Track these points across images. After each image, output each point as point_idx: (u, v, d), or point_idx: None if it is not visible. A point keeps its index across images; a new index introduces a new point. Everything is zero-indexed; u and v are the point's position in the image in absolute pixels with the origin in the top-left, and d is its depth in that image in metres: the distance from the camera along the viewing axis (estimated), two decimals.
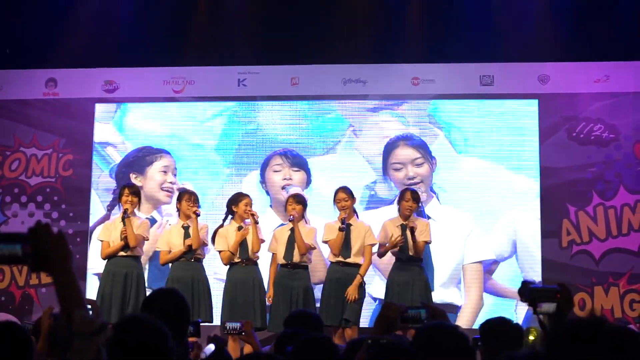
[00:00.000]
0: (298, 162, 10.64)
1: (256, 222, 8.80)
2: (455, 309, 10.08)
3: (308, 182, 10.55)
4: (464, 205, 10.36)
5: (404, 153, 10.53)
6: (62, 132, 10.95)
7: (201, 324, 4.99)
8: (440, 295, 10.02)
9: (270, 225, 9.82)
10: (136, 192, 9.01)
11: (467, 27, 10.53)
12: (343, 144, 10.67)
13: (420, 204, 9.59)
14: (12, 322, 3.14)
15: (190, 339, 4.72)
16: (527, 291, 3.35)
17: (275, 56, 10.73)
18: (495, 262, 10.23)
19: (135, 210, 9.05)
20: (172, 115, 10.91)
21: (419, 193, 9.52)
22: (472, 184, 10.38)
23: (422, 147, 10.52)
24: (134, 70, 10.99)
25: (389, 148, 10.56)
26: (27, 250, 2.33)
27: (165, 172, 10.79)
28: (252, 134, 10.77)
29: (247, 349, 7.33)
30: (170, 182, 10.63)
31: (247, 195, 9.03)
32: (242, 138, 10.78)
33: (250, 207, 8.89)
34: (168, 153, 10.82)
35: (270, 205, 10.49)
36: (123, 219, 8.81)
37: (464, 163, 10.46)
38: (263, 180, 10.65)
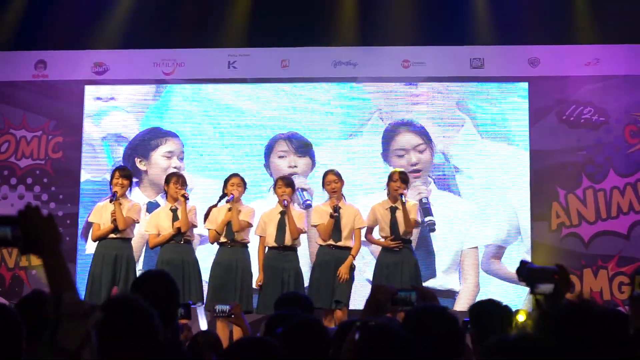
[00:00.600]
0: (302, 147, 10.60)
1: (227, 200, 8.79)
2: (453, 294, 10.09)
3: (312, 166, 10.51)
4: (470, 190, 10.37)
5: (406, 139, 10.51)
6: (51, 114, 10.91)
7: (191, 306, 4.99)
8: (440, 281, 10.06)
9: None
10: (127, 175, 8.98)
11: (458, 10, 10.52)
12: (369, 127, 10.63)
13: (425, 199, 9.69)
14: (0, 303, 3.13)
15: (181, 321, 4.73)
16: (525, 271, 3.36)
17: (265, 38, 10.70)
18: (501, 247, 10.22)
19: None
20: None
21: (420, 179, 9.64)
22: (493, 169, 10.42)
23: (423, 133, 10.49)
24: (123, 52, 10.95)
25: (389, 134, 10.53)
26: (17, 233, 2.33)
27: (169, 157, 10.73)
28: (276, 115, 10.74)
29: (237, 331, 7.35)
30: (175, 167, 10.57)
31: (236, 175, 9.02)
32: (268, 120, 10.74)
33: (236, 187, 8.87)
34: (176, 136, 10.76)
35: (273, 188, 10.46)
36: (111, 201, 8.80)
37: (486, 148, 10.45)
38: (267, 165, 10.61)
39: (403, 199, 8.66)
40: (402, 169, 9.12)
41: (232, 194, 8.82)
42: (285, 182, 8.92)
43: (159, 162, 10.73)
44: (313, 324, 3.69)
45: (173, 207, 8.91)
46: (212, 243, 8.98)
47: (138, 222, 9.00)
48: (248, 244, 8.90)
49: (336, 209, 8.69)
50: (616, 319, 2.33)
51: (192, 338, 5.15)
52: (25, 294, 3.93)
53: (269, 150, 10.65)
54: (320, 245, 8.84)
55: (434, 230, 10.00)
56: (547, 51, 10.48)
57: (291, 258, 8.76)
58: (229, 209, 8.81)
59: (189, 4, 10.97)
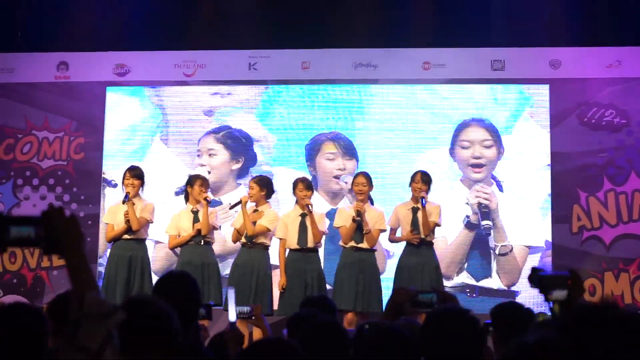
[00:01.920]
0: (349, 148, 10.57)
1: (235, 204, 8.92)
2: (513, 295, 10.03)
3: (357, 166, 10.43)
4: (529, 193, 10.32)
5: (475, 132, 10.47)
6: (73, 116, 10.97)
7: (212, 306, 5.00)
8: (498, 281, 10.05)
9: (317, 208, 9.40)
10: (138, 175, 8.99)
11: (479, 12, 10.50)
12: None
13: (485, 201, 9.73)
14: (24, 303, 3.16)
15: (200, 322, 4.74)
16: (537, 278, 3.32)
17: (286, 40, 10.72)
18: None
19: (141, 194, 9.01)
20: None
21: (479, 176, 9.81)
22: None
23: (493, 131, 10.45)
24: (145, 54, 11.00)
25: (460, 128, 10.50)
26: (40, 233, 2.35)
27: (199, 155, 10.76)
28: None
29: (257, 332, 7.36)
30: (201, 164, 10.65)
31: (253, 178, 9.13)
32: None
33: (250, 190, 8.91)
34: (215, 132, 10.78)
35: (316, 189, 10.35)
36: (124, 202, 8.82)
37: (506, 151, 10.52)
38: (311, 165, 10.59)
39: (423, 202, 8.67)
40: (425, 170, 9.07)
41: (240, 198, 8.88)
42: (306, 185, 8.92)
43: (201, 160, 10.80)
44: (332, 326, 3.69)
45: (194, 209, 8.94)
46: (235, 242, 9.02)
47: (152, 222, 9.01)
48: (269, 247, 8.91)
49: (359, 213, 8.67)
50: (638, 323, 2.32)
51: (214, 336, 5.16)
52: (60, 293, 3.96)
53: (313, 150, 10.61)
54: (343, 248, 8.83)
55: (489, 234, 10.06)
56: (568, 53, 10.45)
57: (313, 260, 8.77)
58: (254, 211, 8.83)
59: (210, 6, 11.00)
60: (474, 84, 10.56)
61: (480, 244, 10.20)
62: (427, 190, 8.83)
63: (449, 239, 10.19)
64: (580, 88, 10.36)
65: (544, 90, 10.42)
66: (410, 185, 8.93)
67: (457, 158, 10.44)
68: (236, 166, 10.64)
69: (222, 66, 10.87)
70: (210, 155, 10.73)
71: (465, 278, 10.13)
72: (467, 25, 10.52)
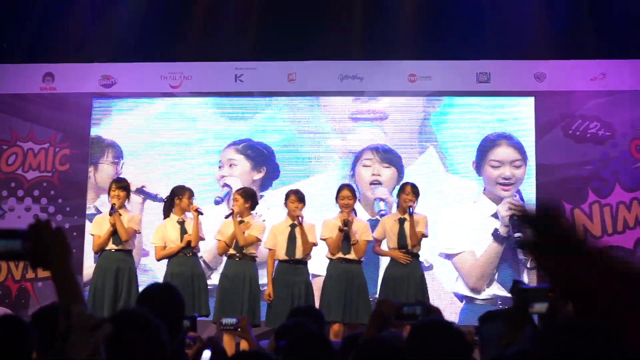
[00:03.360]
0: (389, 158, 10.55)
1: (225, 216, 8.92)
2: None
3: (399, 178, 10.39)
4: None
5: (506, 152, 10.43)
6: (59, 127, 10.95)
7: (198, 319, 4.99)
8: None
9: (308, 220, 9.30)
10: (124, 187, 8.97)
11: (464, 24, 10.54)
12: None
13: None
14: (10, 315, 3.15)
15: (191, 333, 4.74)
16: (518, 291, 3.33)
17: (272, 52, 10.74)
18: None
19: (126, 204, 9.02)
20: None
21: (507, 193, 10.03)
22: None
23: (521, 149, 10.42)
24: (131, 65, 10.99)
25: (489, 144, 10.45)
26: (27, 246, 2.35)
27: (220, 167, 10.74)
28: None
29: (244, 344, 7.36)
30: (222, 176, 10.69)
31: (237, 191, 9.15)
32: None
33: (235, 202, 8.91)
34: (236, 144, 10.80)
35: (359, 200, 10.22)
36: (111, 214, 8.80)
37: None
38: (353, 175, 10.56)
39: (411, 210, 8.69)
40: (414, 183, 9.08)
41: (231, 209, 8.87)
42: (298, 197, 8.89)
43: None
44: (316, 337, 3.70)
45: (180, 220, 8.92)
46: (221, 255, 9.01)
47: (139, 233, 9.03)
48: (256, 258, 8.92)
49: (346, 222, 8.69)
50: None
51: (195, 350, 5.15)
52: (43, 305, 3.95)
53: (355, 160, 10.61)
54: (330, 260, 8.81)
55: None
56: (553, 66, 10.50)
57: (302, 271, 8.76)
58: (240, 222, 8.83)
59: (196, 18, 11.01)
60: (459, 96, 10.59)
61: (510, 256, 10.19)
62: (416, 202, 8.85)
63: (477, 252, 10.20)
64: (565, 100, 10.41)
65: (529, 103, 10.46)
66: (398, 195, 8.95)
67: (483, 175, 10.39)
68: (257, 176, 10.60)
69: (208, 78, 10.88)
70: (230, 166, 10.71)
71: (496, 290, 10.12)
72: (453, 37, 10.55)
